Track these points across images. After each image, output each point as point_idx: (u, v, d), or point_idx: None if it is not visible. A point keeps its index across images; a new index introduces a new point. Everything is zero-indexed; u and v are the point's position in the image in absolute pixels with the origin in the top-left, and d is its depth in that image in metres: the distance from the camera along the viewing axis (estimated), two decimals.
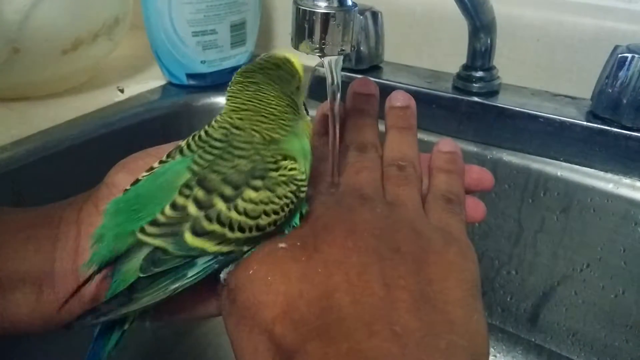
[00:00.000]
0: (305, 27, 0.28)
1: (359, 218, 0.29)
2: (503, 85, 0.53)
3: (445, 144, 0.35)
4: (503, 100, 0.52)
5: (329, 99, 0.31)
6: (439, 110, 0.53)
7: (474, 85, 0.52)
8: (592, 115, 0.48)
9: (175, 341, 0.58)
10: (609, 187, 0.47)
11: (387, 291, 0.26)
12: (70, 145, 0.51)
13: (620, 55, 0.46)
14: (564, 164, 0.49)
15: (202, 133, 0.29)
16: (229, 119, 0.29)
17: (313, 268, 0.26)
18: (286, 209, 0.28)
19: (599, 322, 0.50)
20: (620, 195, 0.46)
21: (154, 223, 0.27)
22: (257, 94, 0.28)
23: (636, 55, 0.45)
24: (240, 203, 0.26)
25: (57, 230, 0.31)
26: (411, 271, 0.27)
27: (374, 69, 0.59)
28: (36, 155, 0.48)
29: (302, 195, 0.28)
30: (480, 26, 0.49)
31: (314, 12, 0.28)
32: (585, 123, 0.48)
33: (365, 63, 0.58)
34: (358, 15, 0.30)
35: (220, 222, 0.26)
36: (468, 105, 0.52)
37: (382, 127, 0.37)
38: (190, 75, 0.63)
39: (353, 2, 0.29)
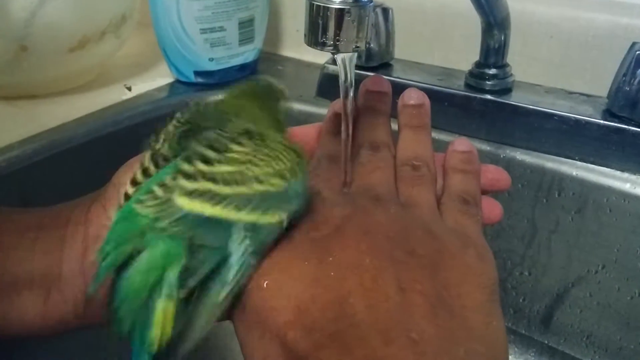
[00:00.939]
0: (319, 23, 0.28)
1: (372, 219, 0.28)
2: (516, 82, 0.53)
3: (461, 144, 0.34)
4: (516, 98, 0.51)
5: (342, 96, 0.30)
6: (451, 108, 0.53)
7: (487, 82, 0.52)
8: (609, 114, 0.47)
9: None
10: (626, 186, 0.46)
11: (403, 296, 0.25)
12: (77, 143, 0.51)
13: (638, 52, 0.45)
14: (579, 163, 0.48)
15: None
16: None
17: (325, 272, 0.26)
18: (277, 167, 0.26)
19: (614, 324, 0.49)
20: (637, 195, 0.45)
21: (140, 200, 0.25)
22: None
23: None
24: (224, 157, 0.25)
25: (65, 231, 0.30)
26: (427, 275, 0.26)
27: (385, 66, 0.58)
28: (43, 154, 0.48)
29: (302, 156, 0.27)
30: (494, 22, 0.48)
31: (328, 7, 0.27)
32: (601, 121, 0.47)
33: (376, 60, 0.57)
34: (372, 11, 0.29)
35: (205, 177, 0.25)
36: (481, 103, 0.51)
37: (394, 126, 0.36)
38: (198, 73, 0.62)
39: None
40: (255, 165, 0.26)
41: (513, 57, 0.52)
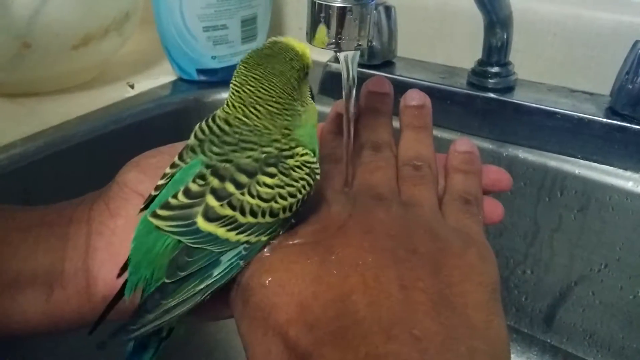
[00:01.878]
0: (321, 21, 0.27)
1: (374, 218, 0.28)
2: (519, 81, 0.52)
3: (462, 144, 0.34)
4: (519, 97, 0.51)
5: (344, 95, 0.30)
6: (454, 106, 0.52)
7: (490, 81, 0.51)
8: (611, 112, 0.47)
9: (184, 339, 0.58)
10: (629, 185, 0.46)
11: (405, 294, 0.25)
12: (80, 141, 0.51)
13: None
14: (582, 161, 0.48)
15: (207, 128, 0.28)
16: (234, 112, 0.28)
17: (328, 269, 0.26)
18: (303, 192, 0.27)
19: (617, 323, 0.49)
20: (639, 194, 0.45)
21: (166, 206, 0.26)
22: (262, 85, 0.28)
23: None
24: (254, 187, 0.26)
25: (68, 229, 0.30)
26: (429, 273, 0.26)
27: (387, 64, 0.58)
28: (46, 152, 0.48)
29: (317, 177, 0.28)
30: (497, 20, 0.48)
31: (330, 5, 0.27)
32: (604, 120, 0.47)
33: (378, 58, 0.57)
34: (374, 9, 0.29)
35: (231, 205, 0.26)
36: (483, 102, 0.51)
37: (396, 125, 0.36)
38: (200, 71, 0.62)
39: None
40: (282, 199, 0.27)
41: (516, 55, 0.52)
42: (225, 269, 0.26)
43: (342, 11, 0.27)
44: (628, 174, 0.46)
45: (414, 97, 0.36)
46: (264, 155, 0.27)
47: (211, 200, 0.26)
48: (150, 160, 0.32)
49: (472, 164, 0.33)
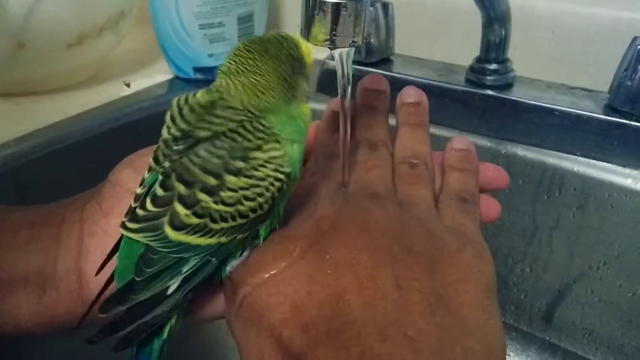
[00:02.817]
0: (316, 17, 0.27)
1: (369, 217, 0.28)
2: (517, 78, 0.52)
3: (459, 142, 0.34)
4: (517, 94, 0.50)
5: (339, 93, 0.30)
6: (451, 104, 0.52)
7: (488, 78, 0.51)
8: (610, 109, 0.47)
9: (183, 339, 0.58)
10: (627, 182, 0.45)
11: (400, 293, 0.25)
12: (75, 140, 0.50)
13: (639, 47, 0.44)
14: (580, 158, 0.47)
15: (177, 108, 0.27)
16: (217, 85, 0.27)
17: (322, 269, 0.26)
18: (272, 189, 0.26)
19: (616, 320, 0.49)
20: (638, 191, 0.45)
21: (134, 218, 0.26)
22: (253, 68, 0.26)
23: None
24: (221, 194, 0.25)
25: (60, 229, 0.30)
26: (425, 272, 0.26)
27: (385, 61, 0.58)
28: (41, 151, 0.48)
29: (284, 180, 0.26)
30: (495, 17, 0.48)
31: (324, 2, 0.27)
32: (602, 116, 0.46)
33: (376, 56, 0.57)
34: (369, 6, 0.29)
35: (198, 214, 0.25)
36: (481, 99, 0.51)
37: (392, 121, 0.36)
38: (197, 69, 0.62)
39: None
40: (248, 200, 0.25)
41: (514, 52, 0.51)
42: (194, 265, 0.26)
43: (337, 7, 0.27)
44: (627, 171, 0.46)
45: (410, 95, 0.35)
46: (230, 146, 0.25)
47: (179, 207, 0.25)
48: (144, 159, 0.32)
49: (468, 162, 0.33)
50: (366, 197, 0.29)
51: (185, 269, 0.26)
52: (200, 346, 0.58)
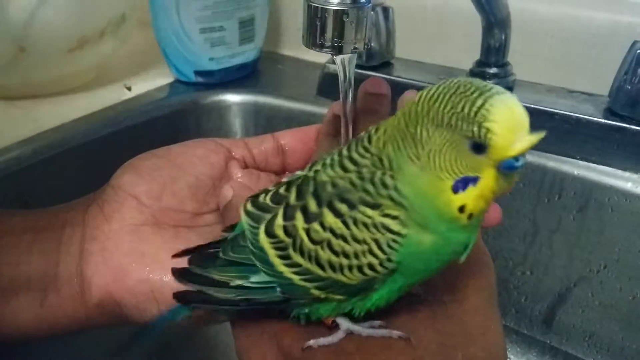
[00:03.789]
0: (317, 24, 0.27)
1: None
2: (517, 81, 0.52)
3: None
4: (518, 97, 0.50)
5: (341, 98, 0.30)
6: None
7: (488, 81, 0.51)
8: (610, 112, 0.47)
9: (185, 339, 0.58)
10: (627, 186, 0.45)
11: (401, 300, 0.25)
12: (76, 144, 0.50)
13: (639, 51, 0.44)
14: (580, 162, 0.47)
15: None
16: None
17: None
18: (364, 260, 0.21)
19: (616, 324, 0.49)
20: (638, 195, 0.45)
21: (254, 202, 0.25)
22: (412, 117, 0.22)
23: None
24: (314, 224, 0.22)
25: (62, 232, 0.30)
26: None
27: (385, 65, 0.58)
28: (42, 155, 0.48)
29: (391, 261, 0.21)
30: (495, 22, 0.48)
31: (326, 9, 0.27)
32: (602, 120, 0.47)
33: (376, 59, 0.57)
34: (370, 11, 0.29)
35: (286, 232, 0.23)
36: None
37: None
38: (198, 73, 0.62)
39: None
40: (331, 251, 0.22)
41: (514, 56, 0.52)
42: (262, 282, 0.24)
43: (338, 14, 0.27)
44: (627, 174, 0.46)
45: (411, 98, 0.35)
46: (344, 183, 0.22)
47: (280, 214, 0.23)
48: (145, 163, 0.32)
49: None
50: None
51: (253, 279, 0.24)
52: (201, 347, 0.58)
